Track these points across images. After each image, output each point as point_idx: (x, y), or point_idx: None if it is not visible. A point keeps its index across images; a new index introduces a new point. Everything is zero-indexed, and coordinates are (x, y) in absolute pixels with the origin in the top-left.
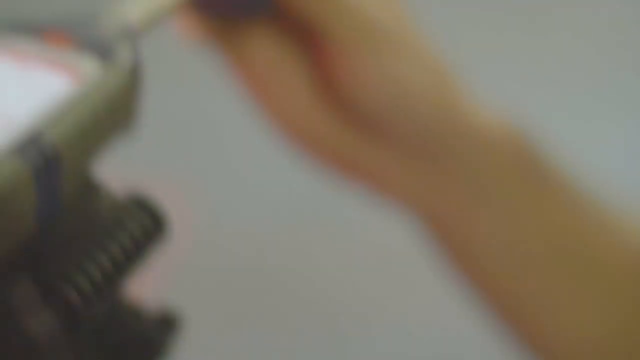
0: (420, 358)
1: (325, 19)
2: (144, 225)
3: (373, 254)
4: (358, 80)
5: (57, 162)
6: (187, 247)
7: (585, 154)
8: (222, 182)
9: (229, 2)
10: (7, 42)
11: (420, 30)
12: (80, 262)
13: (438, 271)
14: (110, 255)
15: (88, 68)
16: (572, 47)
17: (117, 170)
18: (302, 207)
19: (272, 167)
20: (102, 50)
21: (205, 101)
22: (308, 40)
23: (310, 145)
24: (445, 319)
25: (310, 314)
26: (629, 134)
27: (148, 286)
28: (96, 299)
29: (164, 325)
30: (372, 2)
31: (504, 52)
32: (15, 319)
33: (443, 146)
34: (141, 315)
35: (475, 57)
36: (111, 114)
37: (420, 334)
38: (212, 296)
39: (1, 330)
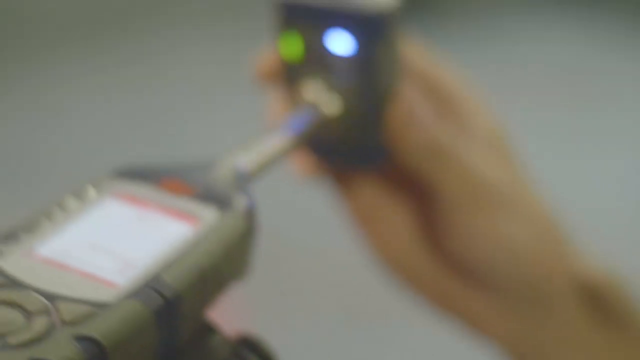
0: None
1: (437, 178)
2: None
3: None
4: (462, 234)
5: (177, 305)
6: None
7: None
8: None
9: (344, 155)
10: (126, 188)
11: (530, 181)
12: None
13: None
14: None
15: (205, 215)
16: None
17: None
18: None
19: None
20: (218, 197)
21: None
22: (416, 189)
23: (408, 280)
24: None
25: None
26: None
27: None
28: None
29: None
30: (485, 159)
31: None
32: None
33: (541, 295)
34: None
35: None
36: (228, 260)
37: None
38: None
39: None
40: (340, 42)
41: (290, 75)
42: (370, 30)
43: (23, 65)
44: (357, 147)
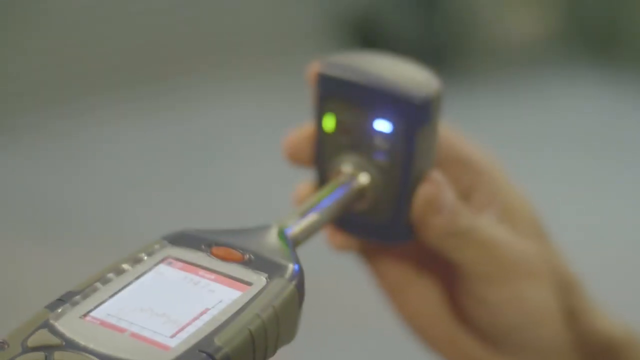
0: None
1: (461, 257)
2: None
3: None
4: (489, 305)
5: None
6: None
7: None
8: None
9: (372, 232)
10: (178, 255)
11: (555, 246)
12: None
13: None
14: None
15: (255, 281)
16: None
17: None
18: None
19: None
20: (267, 264)
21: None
22: (442, 264)
23: (436, 347)
24: None
25: None
26: None
27: None
28: None
29: None
30: (511, 231)
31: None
32: None
33: (563, 356)
34: None
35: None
36: (276, 324)
37: None
38: None
39: None
40: (379, 122)
41: (328, 144)
42: (411, 116)
43: (58, 111)
44: (385, 225)
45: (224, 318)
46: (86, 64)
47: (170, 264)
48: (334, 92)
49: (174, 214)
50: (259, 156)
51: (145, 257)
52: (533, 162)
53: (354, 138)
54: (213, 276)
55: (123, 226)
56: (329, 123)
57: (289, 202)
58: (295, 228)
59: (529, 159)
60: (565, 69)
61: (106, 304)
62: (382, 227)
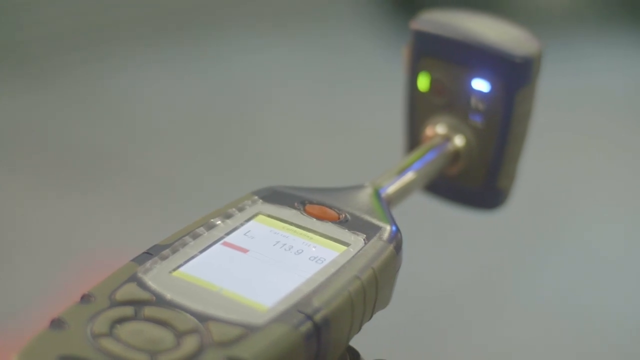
0: None
1: None
2: None
3: None
4: None
5: (325, 330)
6: None
7: None
8: None
9: (463, 196)
10: (271, 212)
11: None
12: None
13: None
14: None
15: (352, 241)
16: None
17: None
18: None
19: None
20: (363, 224)
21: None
22: None
23: None
24: None
25: None
26: None
27: None
28: None
29: None
30: None
31: None
32: None
33: None
34: None
35: None
36: (374, 286)
37: None
38: None
39: None
40: (477, 81)
41: (422, 104)
42: (511, 75)
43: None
44: (476, 190)
45: (322, 279)
46: (120, 8)
47: (264, 221)
48: (430, 49)
49: (203, 162)
50: (291, 104)
51: (236, 213)
52: (567, 122)
53: (449, 98)
54: (308, 235)
55: (152, 172)
56: (424, 82)
57: (320, 151)
58: (390, 189)
59: (563, 119)
60: (602, 30)
61: (197, 259)
62: (473, 193)
